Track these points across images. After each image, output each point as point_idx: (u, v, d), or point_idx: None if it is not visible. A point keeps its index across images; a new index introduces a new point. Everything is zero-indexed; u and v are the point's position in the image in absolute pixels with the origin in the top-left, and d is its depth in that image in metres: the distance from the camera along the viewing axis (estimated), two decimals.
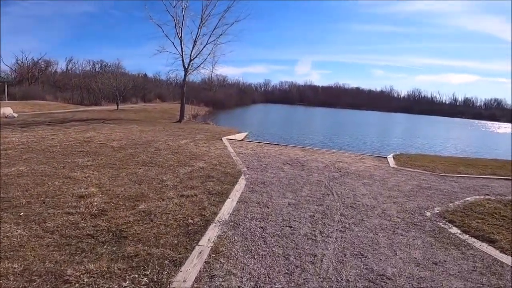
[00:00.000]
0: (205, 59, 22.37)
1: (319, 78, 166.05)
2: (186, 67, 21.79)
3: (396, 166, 9.30)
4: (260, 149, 10.78)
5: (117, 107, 26.89)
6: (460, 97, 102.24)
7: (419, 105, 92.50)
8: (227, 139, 12.58)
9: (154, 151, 9.33)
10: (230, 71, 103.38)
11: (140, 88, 42.58)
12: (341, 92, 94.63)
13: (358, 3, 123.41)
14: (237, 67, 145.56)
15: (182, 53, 21.62)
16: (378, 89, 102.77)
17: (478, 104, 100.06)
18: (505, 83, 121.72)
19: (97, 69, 54.67)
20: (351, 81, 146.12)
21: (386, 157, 10.84)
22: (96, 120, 18.28)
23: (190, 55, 21.81)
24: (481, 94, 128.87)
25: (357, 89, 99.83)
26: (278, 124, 28.75)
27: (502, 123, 71.47)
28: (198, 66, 22.59)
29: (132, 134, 12.46)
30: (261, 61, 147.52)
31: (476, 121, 71.37)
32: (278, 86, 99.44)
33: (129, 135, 12.12)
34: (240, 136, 16.89)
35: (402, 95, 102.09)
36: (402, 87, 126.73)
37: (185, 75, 21.88)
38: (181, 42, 21.49)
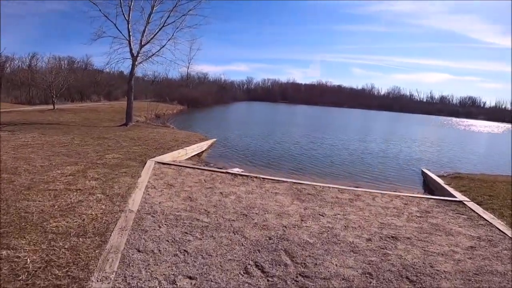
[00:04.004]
0: (163, 46, 15.96)
1: (301, 76, 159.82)
2: (135, 55, 15.35)
3: None
4: (207, 194, 4.83)
5: (53, 107, 20.12)
6: (437, 95, 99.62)
7: (399, 103, 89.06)
8: (157, 163, 6.53)
9: None
10: (211, 69, 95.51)
11: (103, 85, 35.49)
12: (324, 90, 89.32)
13: (338, 4, 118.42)
14: (219, 65, 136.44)
15: (130, 38, 15.18)
16: (359, 87, 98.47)
17: (454, 102, 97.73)
18: (476, 82, 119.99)
19: (63, 66, 46.89)
20: (333, 79, 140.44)
21: (463, 202, 5.16)
22: None
23: (141, 41, 15.38)
24: (453, 92, 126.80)
25: (339, 87, 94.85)
26: (258, 126, 22.69)
27: (481, 121, 68.54)
28: (153, 55, 16.14)
29: None
30: (243, 60, 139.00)
31: (459, 119, 67.63)
32: (260, 83, 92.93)
33: None
34: (200, 146, 10.95)
35: (382, 93, 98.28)
36: (381, 85, 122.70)
37: (133, 65, 15.38)
38: (128, 24, 15.05)
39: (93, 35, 14.90)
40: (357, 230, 3.83)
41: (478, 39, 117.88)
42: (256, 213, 4.15)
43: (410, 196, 5.39)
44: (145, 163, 6.42)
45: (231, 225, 3.82)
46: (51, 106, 21.09)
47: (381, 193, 5.37)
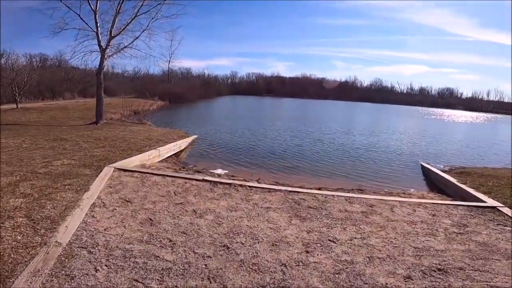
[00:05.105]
0: (136, 37, 14.20)
1: (285, 70, 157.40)
2: (104, 48, 13.53)
3: None
4: (175, 214, 3.53)
5: (17, 106, 18.00)
6: (416, 87, 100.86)
7: (380, 95, 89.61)
8: (117, 170, 5.13)
9: None
10: (194, 64, 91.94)
11: (77, 81, 32.92)
12: (308, 82, 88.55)
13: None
14: (202, 60, 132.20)
15: (98, 29, 13.35)
16: (343, 79, 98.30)
17: (433, 93, 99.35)
18: (452, 73, 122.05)
19: (35, 64, 43.47)
20: (316, 72, 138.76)
21: (497, 208, 4.13)
22: None
23: (110, 32, 13.56)
24: (431, 83, 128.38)
25: (323, 79, 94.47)
26: (242, 120, 21.32)
27: (460, 111, 69.71)
28: (126, 47, 14.34)
29: None
30: (227, 54, 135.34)
31: (439, 109, 68.30)
32: (245, 77, 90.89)
33: None
34: (179, 144, 9.65)
35: (364, 85, 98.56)
36: (363, 78, 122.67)
37: (102, 58, 13.57)
38: (95, 14, 13.21)
39: (55, 27, 13.05)
40: (386, 262, 2.66)
41: (454, 33, 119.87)
42: (242, 243, 2.91)
43: (433, 203, 4.29)
44: (101, 171, 5.03)
45: (205, 265, 2.56)
46: (11, 105, 18.95)
47: (398, 201, 4.23)
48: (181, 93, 39.65)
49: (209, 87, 54.05)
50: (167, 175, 4.88)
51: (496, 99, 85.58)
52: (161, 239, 3.02)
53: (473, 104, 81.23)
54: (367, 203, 4.04)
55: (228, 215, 3.49)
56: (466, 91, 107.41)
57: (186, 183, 4.56)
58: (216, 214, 3.52)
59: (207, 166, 8.03)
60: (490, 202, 4.43)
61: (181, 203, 3.81)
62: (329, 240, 3.00)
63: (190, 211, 3.61)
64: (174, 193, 4.15)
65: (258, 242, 2.93)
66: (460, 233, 3.34)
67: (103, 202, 3.79)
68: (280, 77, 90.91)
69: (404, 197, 4.90)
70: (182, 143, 10.08)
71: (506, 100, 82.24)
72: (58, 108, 20.17)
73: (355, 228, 3.27)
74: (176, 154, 9.19)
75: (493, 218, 3.85)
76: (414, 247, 2.98)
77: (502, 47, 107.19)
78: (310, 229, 3.20)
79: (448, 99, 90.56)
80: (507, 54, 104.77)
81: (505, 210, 4.13)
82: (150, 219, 3.40)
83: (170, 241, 2.98)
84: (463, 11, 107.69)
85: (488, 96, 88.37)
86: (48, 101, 27.57)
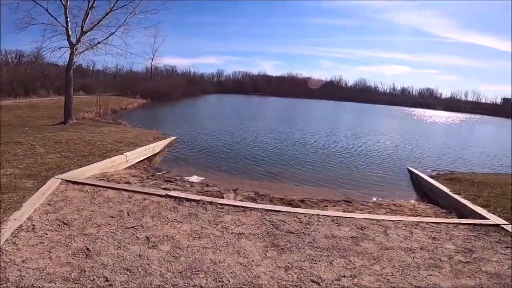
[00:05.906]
0: (112, 33, 13.13)
1: (271, 68, 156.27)
2: (75, 43, 12.41)
3: None
4: (122, 242, 2.76)
5: None
6: (398, 87, 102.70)
7: (365, 94, 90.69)
8: (66, 181, 4.29)
9: None
10: (180, 62, 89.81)
11: (52, 79, 31.03)
12: (294, 82, 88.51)
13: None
14: (188, 58, 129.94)
15: (68, 24, 12.21)
16: (328, 79, 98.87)
17: (414, 93, 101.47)
18: (433, 74, 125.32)
19: (11, 60, 40.77)
20: (302, 71, 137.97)
21: (501, 226, 3.63)
22: None
23: (82, 27, 12.45)
24: (412, 84, 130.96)
25: (309, 78, 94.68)
26: (226, 120, 20.53)
27: (440, 111, 71.26)
28: (99, 43, 13.23)
29: None
30: (213, 52, 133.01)
31: (421, 110, 69.34)
32: (231, 76, 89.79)
33: None
34: (152, 148, 8.91)
35: (349, 85, 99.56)
36: (348, 77, 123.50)
37: (72, 55, 12.44)
38: (65, 9, 12.08)
39: (21, 22, 11.87)
40: None
41: (435, 34, 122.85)
42: (201, 287, 2.23)
43: (431, 222, 3.72)
44: (45, 183, 4.19)
45: None
46: None
47: (392, 220, 3.61)
48: (165, 91, 38.35)
49: (194, 85, 52.71)
50: (124, 189, 4.11)
51: (474, 99, 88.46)
52: (94, 277, 2.29)
53: (452, 104, 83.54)
54: (357, 225, 3.43)
55: (189, 245, 2.79)
56: (446, 92, 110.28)
57: (145, 199, 3.81)
58: (174, 243, 2.80)
59: (182, 172, 7.28)
60: (492, 218, 3.94)
61: (133, 227, 3.08)
62: (312, 280, 2.36)
63: (142, 238, 2.89)
64: (128, 213, 3.40)
65: (222, 286, 2.26)
66: (467, 262, 2.78)
67: (33, 225, 3.00)
68: (267, 76, 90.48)
69: (396, 211, 4.37)
70: (157, 146, 9.25)
71: (483, 100, 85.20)
72: (28, 106, 18.66)
73: (343, 262, 2.65)
74: (149, 158, 8.38)
75: (500, 240, 3.34)
76: (415, 285, 2.39)
77: (481, 48, 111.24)
78: (289, 265, 2.55)
79: (428, 99, 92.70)
80: (486, 55, 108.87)
81: (510, 228, 3.64)
82: (87, 248, 2.65)
83: (107, 280, 2.26)
84: (445, 12, 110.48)
85: (466, 96, 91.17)
86: (21, 99, 25.77)
